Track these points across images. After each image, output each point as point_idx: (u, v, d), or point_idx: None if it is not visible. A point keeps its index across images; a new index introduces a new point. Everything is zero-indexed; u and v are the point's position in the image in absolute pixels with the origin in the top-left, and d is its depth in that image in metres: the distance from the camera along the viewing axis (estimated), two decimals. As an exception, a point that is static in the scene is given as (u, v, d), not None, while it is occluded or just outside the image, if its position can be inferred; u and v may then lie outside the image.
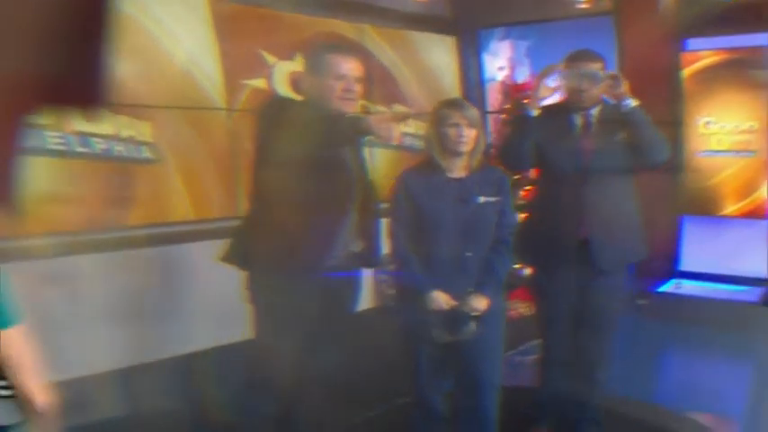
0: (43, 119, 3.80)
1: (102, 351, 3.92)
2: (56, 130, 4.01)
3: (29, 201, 3.69)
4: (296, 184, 2.94)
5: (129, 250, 4.24)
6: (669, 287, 5.77)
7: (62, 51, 0.85)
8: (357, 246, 3.24)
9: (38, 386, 1.98)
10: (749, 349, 4.72)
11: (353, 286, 3.35)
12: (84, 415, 3.28)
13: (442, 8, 6.64)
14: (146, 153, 4.46)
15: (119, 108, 4.19)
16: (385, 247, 3.36)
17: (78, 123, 4.10)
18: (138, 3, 4.38)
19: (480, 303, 3.22)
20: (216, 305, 3.71)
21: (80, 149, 4.16)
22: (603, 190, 3.54)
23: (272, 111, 3.14)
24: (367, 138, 3.09)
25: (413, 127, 6.03)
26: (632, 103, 3.43)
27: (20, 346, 1.94)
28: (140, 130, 4.42)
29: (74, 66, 0.87)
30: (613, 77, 3.47)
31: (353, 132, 2.96)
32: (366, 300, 3.52)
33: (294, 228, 2.96)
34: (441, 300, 3.18)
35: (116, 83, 0.92)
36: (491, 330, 3.32)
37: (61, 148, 4.07)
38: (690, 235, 5.96)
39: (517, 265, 5.41)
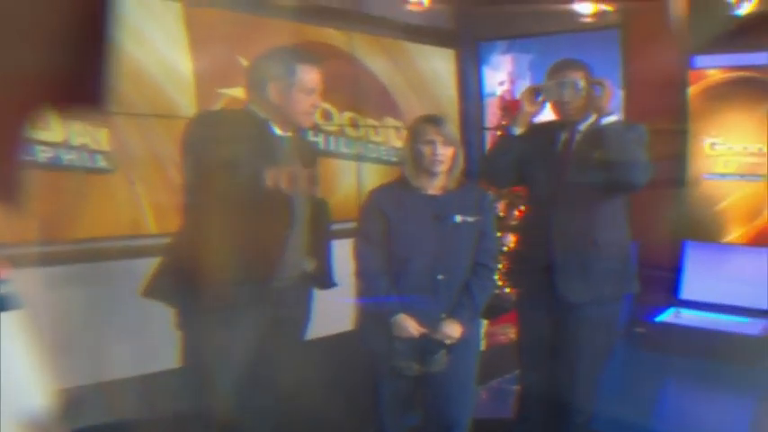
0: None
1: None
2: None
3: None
4: (229, 205, 2.73)
5: (80, 264, 4.07)
6: (668, 316, 5.54)
7: (63, 53, 0.87)
8: (309, 265, 3.06)
9: None
10: (751, 384, 4.53)
11: (304, 309, 3.13)
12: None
13: (443, 19, 6.45)
14: (101, 162, 4.27)
15: (71, 114, 4.00)
16: (351, 267, 3.14)
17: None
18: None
19: (454, 331, 3.05)
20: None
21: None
22: (576, 214, 3.28)
23: (204, 128, 2.90)
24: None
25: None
26: (611, 117, 3.19)
27: None
28: (95, 137, 4.23)
29: (75, 66, 0.89)
30: (592, 84, 3.23)
31: None
32: (323, 325, 3.27)
33: (230, 251, 2.73)
34: (409, 325, 3.02)
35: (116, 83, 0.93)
36: (463, 361, 3.15)
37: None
38: (691, 262, 5.72)
39: (507, 289, 5.25)
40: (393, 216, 3.07)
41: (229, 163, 2.72)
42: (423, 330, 3.02)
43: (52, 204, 3.98)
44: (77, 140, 4.17)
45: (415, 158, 3.07)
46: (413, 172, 3.09)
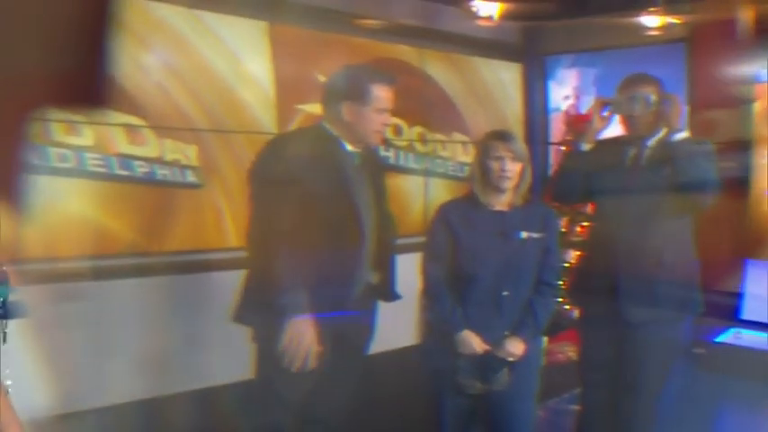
0: (84, 140, 3.88)
1: (136, 380, 3.92)
2: (96, 152, 4.03)
3: (64, 222, 3.69)
4: (299, 223, 2.83)
5: (169, 276, 4.24)
6: (728, 337, 5.50)
7: (66, 52, 0.87)
8: (374, 277, 3.13)
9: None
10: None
11: (369, 324, 3.22)
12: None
13: (510, 33, 6.50)
14: (191, 177, 4.45)
15: (165, 131, 4.18)
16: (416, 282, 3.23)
17: (121, 145, 4.11)
18: (195, 23, 4.39)
19: (517, 348, 3.09)
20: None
21: (121, 172, 4.17)
22: (643, 234, 3.27)
23: (272, 154, 2.99)
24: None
25: (473, 157, 5.91)
26: (681, 134, 3.19)
27: None
28: (186, 153, 4.41)
29: (78, 66, 0.88)
30: (663, 99, 3.24)
31: None
32: (385, 340, 3.37)
33: (303, 268, 2.83)
34: (473, 342, 3.06)
35: (116, 83, 0.93)
36: (525, 379, 3.18)
37: (101, 170, 4.08)
38: (752, 281, 5.68)
39: (567, 306, 5.28)
40: (460, 231, 3.10)
41: (300, 180, 2.83)
42: (486, 347, 3.06)
43: (146, 217, 4.19)
44: (170, 156, 4.36)
45: (484, 174, 3.10)
46: (481, 188, 3.11)
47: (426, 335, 3.29)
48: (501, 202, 3.13)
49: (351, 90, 3.00)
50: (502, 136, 3.14)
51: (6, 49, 0.85)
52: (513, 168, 3.07)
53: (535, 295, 3.15)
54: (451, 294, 3.09)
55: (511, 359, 3.07)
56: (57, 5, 0.86)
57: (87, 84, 0.90)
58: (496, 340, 3.08)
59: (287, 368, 2.87)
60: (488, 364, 3.07)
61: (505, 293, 3.08)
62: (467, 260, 3.09)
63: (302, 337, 2.84)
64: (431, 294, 3.16)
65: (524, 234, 3.11)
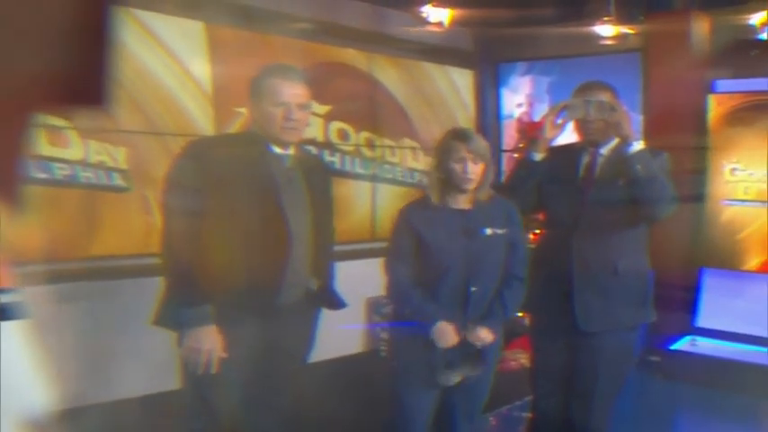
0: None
1: (52, 390, 3.71)
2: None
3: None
4: (213, 229, 2.74)
5: (94, 282, 4.06)
6: (684, 345, 5.43)
7: (65, 52, 0.87)
8: (313, 284, 3.03)
9: None
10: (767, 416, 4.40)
11: (307, 331, 3.12)
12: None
13: (462, 40, 6.44)
14: (117, 180, 4.28)
15: (90, 133, 4.02)
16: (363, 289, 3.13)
17: (42, 147, 3.93)
18: (130, 21, 4.24)
19: (487, 336, 3.05)
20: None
21: (40, 175, 3.98)
22: (598, 241, 3.23)
23: (190, 159, 2.87)
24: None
25: (423, 163, 5.81)
26: (636, 146, 3.13)
27: None
28: (114, 155, 4.24)
29: (77, 66, 0.89)
30: (615, 108, 3.16)
31: None
32: (332, 348, 3.24)
33: (228, 273, 2.75)
34: (448, 332, 2.99)
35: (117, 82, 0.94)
36: (489, 368, 3.18)
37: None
38: (709, 289, 5.62)
39: (520, 313, 5.18)
40: (424, 232, 3.05)
41: (218, 185, 2.75)
42: (459, 336, 3.01)
43: (67, 221, 4.00)
44: (95, 158, 4.19)
45: (446, 176, 3.05)
46: (443, 189, 3.07)
47: (394, 333, 3.27)
48: (463, 201, 3.10)
49: (252, 87, 2.93)
50: (463, 137, 3.07)
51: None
52: (476, 170, 3.02)
53: (504, 288, 3.13)
54: (419, 290, 3.05)
55: (479, 345, 3.04)
56: (54, 6, 0.86)
57: (86, 85, 0.91)
58: (466, 328, 3.04)
59: (212, 374, 2.77)
60: (464, 355, 3.04)
61: (473, 289, 3.04)
62: (432, 260, 3.04)
63: (201, 345, 2.77)
64: (397, 294, 3.13)
65: (489, 230, 3.07)
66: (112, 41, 0.92)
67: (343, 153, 5.54)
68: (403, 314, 3.12)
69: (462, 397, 3.17)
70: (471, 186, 3.04)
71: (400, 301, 3.13)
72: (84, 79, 0.91)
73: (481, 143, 3.07)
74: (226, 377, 2.82)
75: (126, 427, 3.76)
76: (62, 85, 0.88)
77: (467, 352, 3.04)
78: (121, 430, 3.73)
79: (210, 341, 2.77)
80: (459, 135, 3.09)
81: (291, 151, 2.96)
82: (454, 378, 3.06)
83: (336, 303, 3.13)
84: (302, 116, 2.93)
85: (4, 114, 0.87)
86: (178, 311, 2.79)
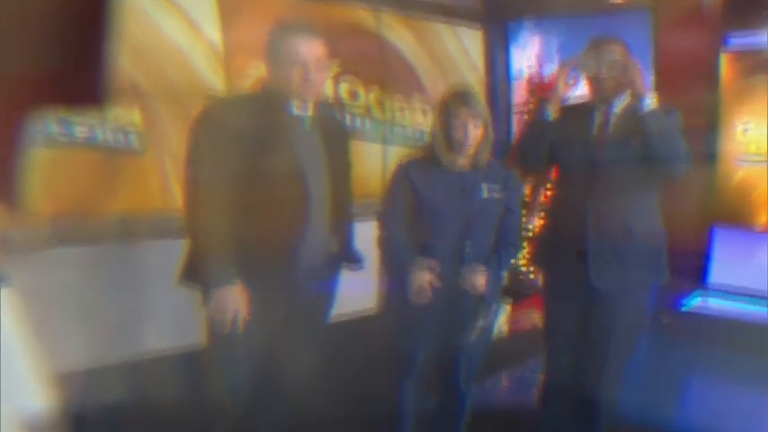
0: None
1: (82, 349, 3.75)
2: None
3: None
4: (236, 189, 2.74)
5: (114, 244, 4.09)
6: (695, 305, 5.43)
7: (64, 50, 0.86)
8: (332, 245, 3.05)
9: None
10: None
11: (328, 291, 3.13)
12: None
13: (470, -1, 6.35)
14: (134, 142, 4.26)
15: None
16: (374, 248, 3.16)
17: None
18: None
19: (478, 279, 3.07)
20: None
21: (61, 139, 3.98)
22: (612, 200, 3.20)
23: (213, 117, 2.86)
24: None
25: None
26: (650, 104, 3.09)
27: None
28: (129, 117, 4.22)
29: (76, 64, 0.88)
30: (627, 65, 3.13)
31: None
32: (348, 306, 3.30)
33: (238, 236, 2.76)
34: (423, 276, 3.01)
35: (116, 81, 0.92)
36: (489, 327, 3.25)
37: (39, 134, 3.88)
38: (721, 248, 5.60)
39: (531, 273, 5.18)
40: (421, 189, 3.06)
41: (239, 146, 2.73)
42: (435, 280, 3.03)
43: (86, 181, 4.03)
44: (112, 120, 4.19)
45: (446, 136, 3.05)
46: (442, 148, 3.07)
47: (387, 300, 3.25)
48: (462, 163, 3.10)
49: (268, 46, 2.89)
50: (464, 100, 3.07)
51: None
52: (477, 133, 3.05)
53: (499, 250, 3.18)
54: (410, 240, 3.08)
55: (474, 291, 3.07)
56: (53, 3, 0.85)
57: (84, 82, 0.89)
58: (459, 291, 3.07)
59: (236, 334, 2.81)
60: (460, 308, 3.09)
61: (468, 248, 3.07)
62: (429, 218, 3.07)
63: (226, 304, 2.79)
64: (390, 248, 3.13)
65: (485, 193, 3.09)
66: (111, 39, 0.90)
67: (353, 114, 5.49)
68: (392, 267, 3.14)
69: (463, 355, 3.21)
70: (471, 150, 3.05)
71: (392, 255, 3.13)
72: (83, 78, 0.89)
73: (482, 106, 3.08)
74: (249, 337, 2.84)
75: (150, 385, 3.78)
76: (61, 85, 0.87)
77: (467, 305, 3.07)
78: (146, 389, 3.74)
79: (236, 300, 2.79)
80: (460, 99, 3.09)
81: (310, 112, 2.94)
82: (468, 334, 3.10)
83: (356, 262, 3.13)
84: (320, 75, 2.90)
85: (4, 114, 0.86)
86: (203, 270, 2.79)
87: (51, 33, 0.84)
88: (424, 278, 3.00)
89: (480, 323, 3.14)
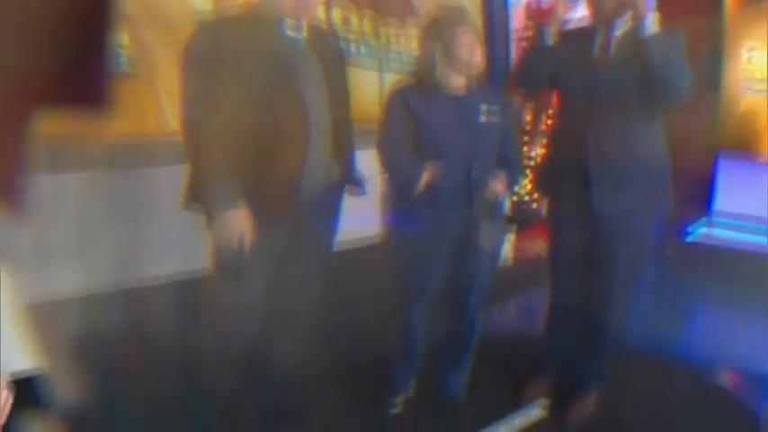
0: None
1: (66, 279, 3.62)
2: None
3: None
4: (234, 113, 2.64)
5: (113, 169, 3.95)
6: (700, 236, 5.39)
7: (63, 52, 1.01)
8: (333, 170, 2.96)
9: None
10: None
11: (330, 218, 3.07)
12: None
13: None
14: (125, 66, 4.07)
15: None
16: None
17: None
18: None
19: (499, 186, 3.04)
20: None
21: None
22: (614, 125, 3.09)
23: (204, 41, 2.73)
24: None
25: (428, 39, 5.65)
26: (652, 26, 2.94)
27: None
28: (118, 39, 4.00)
29: (75, 66, 1.02)
30: None
31: None
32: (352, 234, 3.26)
33: (239, 159, 2.68)
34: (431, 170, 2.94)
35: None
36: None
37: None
38: (724, 177, 5.55)
39: (534, 203, 5.12)
40: (421, 117, 2.95)
41: (234, 67, 2.64)
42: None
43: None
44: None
45: (449, 57, 2.93)
46: (444, 69, 2.95)
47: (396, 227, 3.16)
48: (457, 86, 2.99)
49: None
50: (462, 18, 2.98)
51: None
52: (480, 52, 2.97)
53: (502, 168, 3.11)
54: (414, 155, 2.98)
55: (493, 199, 3.03)
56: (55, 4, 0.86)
57: (86, 83, 0.99)
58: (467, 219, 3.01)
59: (243, 258, 2.76)
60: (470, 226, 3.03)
61: (474, 173, 2.99)
62: (431, 145, 2.96)
63: (232, 228, 2.74)
64: (396, 165, 3.03)
65: (483, 117, 3.00)
66: (111, 40, 0.78)
67: (348, 40, 5.33)
68: (399, 181, 3.04)
69: (473, 280, 3.17)
70: (476, 70, 2.97)
71: (398, 169, 3.04)
72: (83, 80, 0.92)
73: (476, 24, 3.01)
74: (255, 262, 2.79)
75: (157, 310, 3.71)
76: (61, 86, 0.91)
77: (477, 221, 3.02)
78: (153, 314, 3.67)
79: (241, 223, 2.73)
80: (459, 17, 2.99)
81: (304, 33, 2.82)
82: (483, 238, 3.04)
83: (358, 185, 3.06)
84: None
85: (4, 114, 0.87)
86: (207, 193, 2.72)
87: (51, 33, 0.90)
88: (431, 171, 2.93)
89: (489, 237, 3.07)
